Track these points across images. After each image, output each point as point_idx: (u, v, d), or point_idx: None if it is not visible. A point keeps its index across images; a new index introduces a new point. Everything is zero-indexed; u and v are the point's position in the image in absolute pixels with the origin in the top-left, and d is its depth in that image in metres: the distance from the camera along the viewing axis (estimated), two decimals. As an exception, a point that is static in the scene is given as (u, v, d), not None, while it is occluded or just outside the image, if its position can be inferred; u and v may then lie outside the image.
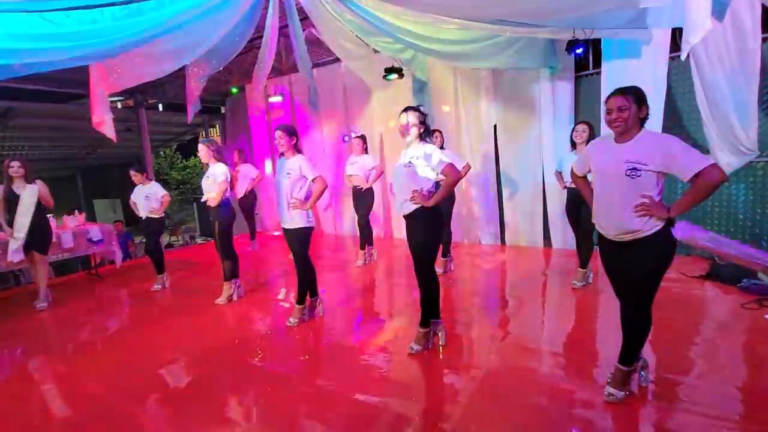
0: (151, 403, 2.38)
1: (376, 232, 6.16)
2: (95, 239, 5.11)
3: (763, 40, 3.74)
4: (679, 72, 4.36)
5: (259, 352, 2.93)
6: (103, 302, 4.55)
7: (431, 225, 2.61)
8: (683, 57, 2.89)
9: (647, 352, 2.17)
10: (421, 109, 2.64)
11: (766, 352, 2.51)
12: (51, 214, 4.47)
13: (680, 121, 4.48)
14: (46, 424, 2.30)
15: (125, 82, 4.26)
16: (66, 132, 9.00)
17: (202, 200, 3.78)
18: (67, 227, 5.03)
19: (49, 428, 2.25)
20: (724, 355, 2.54)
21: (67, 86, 6.60)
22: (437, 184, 2.62)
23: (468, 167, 4.31)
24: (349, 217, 6.84)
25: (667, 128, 4.19)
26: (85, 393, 2.55)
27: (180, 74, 4.78)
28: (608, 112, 1.97)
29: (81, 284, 5.15)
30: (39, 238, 4.05)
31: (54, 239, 4.44)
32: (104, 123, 4.28)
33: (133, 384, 2.59)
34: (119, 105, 9.45)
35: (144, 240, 4.93)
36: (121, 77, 4.13)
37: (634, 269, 1.98)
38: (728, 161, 3.90)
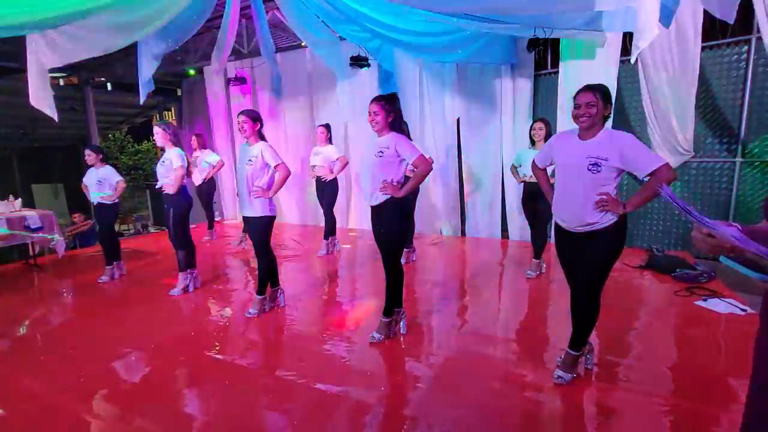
0: (98, 400, 2.26)
1: (340, 222, 6.13)
2: (33, 226, 4.72)
3: (702, 48, 4.04)
4: (628, 75, 4.63)
5: (217, 344, 2.85)
6: (44, 294, 4.23)
7: (400, 215, 2.63)
8: (632, 60, 3.09)
9: (592, 336, 2.32)
10: (392, 97, 2.59)
11: (695, 335, 2.77)
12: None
13: (627, 121, 4.77)
14: (-21, 425, 2.13)
15: (67, 57, 3.91)
16: (-1, 109, 8.19)
17: (157, 187, 3.59)
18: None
19: (-18, 430, 2.09)
20: (658, 338, 2.78)
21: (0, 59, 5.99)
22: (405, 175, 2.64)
23: (431, 161, 4.36)
24: (312, 207, 6.75)
25: (615, 128, 4.42)
26: (25, 392, 2.38)
27: (130, 51, 4.47)
28: (576, 107, 2.04)
29: (18, 275, 4.76)
30: None
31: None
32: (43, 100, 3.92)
33: (79, 380, 2.44)
34: (61, 82, 8.71)
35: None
36: (63, 51, 3.79)
37: (588, 258, 2.10)
38: (667, 161, 4.22)
